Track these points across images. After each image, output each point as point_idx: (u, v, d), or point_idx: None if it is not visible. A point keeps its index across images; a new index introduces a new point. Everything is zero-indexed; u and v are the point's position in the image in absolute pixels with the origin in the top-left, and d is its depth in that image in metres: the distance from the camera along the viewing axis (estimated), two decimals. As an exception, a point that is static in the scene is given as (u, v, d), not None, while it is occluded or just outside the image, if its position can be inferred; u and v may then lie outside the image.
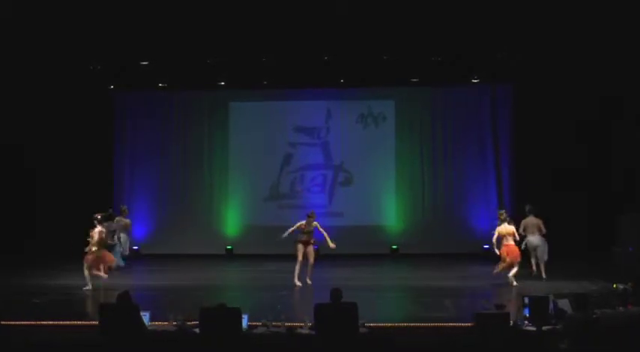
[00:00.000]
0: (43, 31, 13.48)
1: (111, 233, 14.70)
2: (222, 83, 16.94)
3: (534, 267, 13.42)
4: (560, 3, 12.48)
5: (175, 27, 13.51)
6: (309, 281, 12.73)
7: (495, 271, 12.48)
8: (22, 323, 8.92)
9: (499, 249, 12.44)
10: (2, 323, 8.24)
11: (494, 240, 12.61)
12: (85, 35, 13.73)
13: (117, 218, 14.93)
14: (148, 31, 13.71)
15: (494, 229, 12.71)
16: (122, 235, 15.00)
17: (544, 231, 13.34)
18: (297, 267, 12.67)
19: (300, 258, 12.68)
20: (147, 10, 12.76)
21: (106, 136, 17.82)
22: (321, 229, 12.87)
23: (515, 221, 13.02)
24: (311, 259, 12.79)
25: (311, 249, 12.88)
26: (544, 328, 8.03)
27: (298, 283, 12.62)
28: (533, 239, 13.29)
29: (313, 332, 7.77)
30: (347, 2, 11.97)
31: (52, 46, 14.15)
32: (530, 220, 13.42)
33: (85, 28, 13.42)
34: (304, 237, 12.80)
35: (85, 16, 12.90)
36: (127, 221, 15.28)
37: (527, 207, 13.61)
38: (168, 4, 12.67)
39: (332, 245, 12.74)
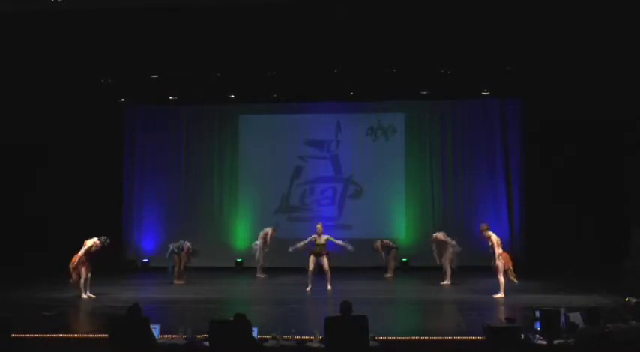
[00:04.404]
0: (55, 45, 13.54)
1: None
2: (232, 96, 16.99)
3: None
4: (569, 16, 12.43)
5: (186, 40, 13.56)
6: (329, 287, 13.43)
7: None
8: (33, 335, 8.93)
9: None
10: (13, 335, 8.28)
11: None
12: (96, 48, 13.79)
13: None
14: (159, 45, 13.76)
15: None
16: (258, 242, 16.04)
17: None
18: (310, 276, 13.53)
19: (311, 267, 13.54)
20: (158, 23, 12.81)
21: (117, 149, 17.95)
22: (335, 241, 13.75)
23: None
24: (325, 267, 13.49)
25: (324, 259, 13.50)
26: (555, 342, 7.97)
27: (309, 287, 13.41)
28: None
29: (323, 346, 7.76)
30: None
31: (64, 60, 14.22)
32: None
33: (97, 42, 13.48)
34: (316, 250, 13.57)
35: (96, 29, 12.96)
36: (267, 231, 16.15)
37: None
38: (179, 18, 12.71)
39: (350, 247, 13.80)
